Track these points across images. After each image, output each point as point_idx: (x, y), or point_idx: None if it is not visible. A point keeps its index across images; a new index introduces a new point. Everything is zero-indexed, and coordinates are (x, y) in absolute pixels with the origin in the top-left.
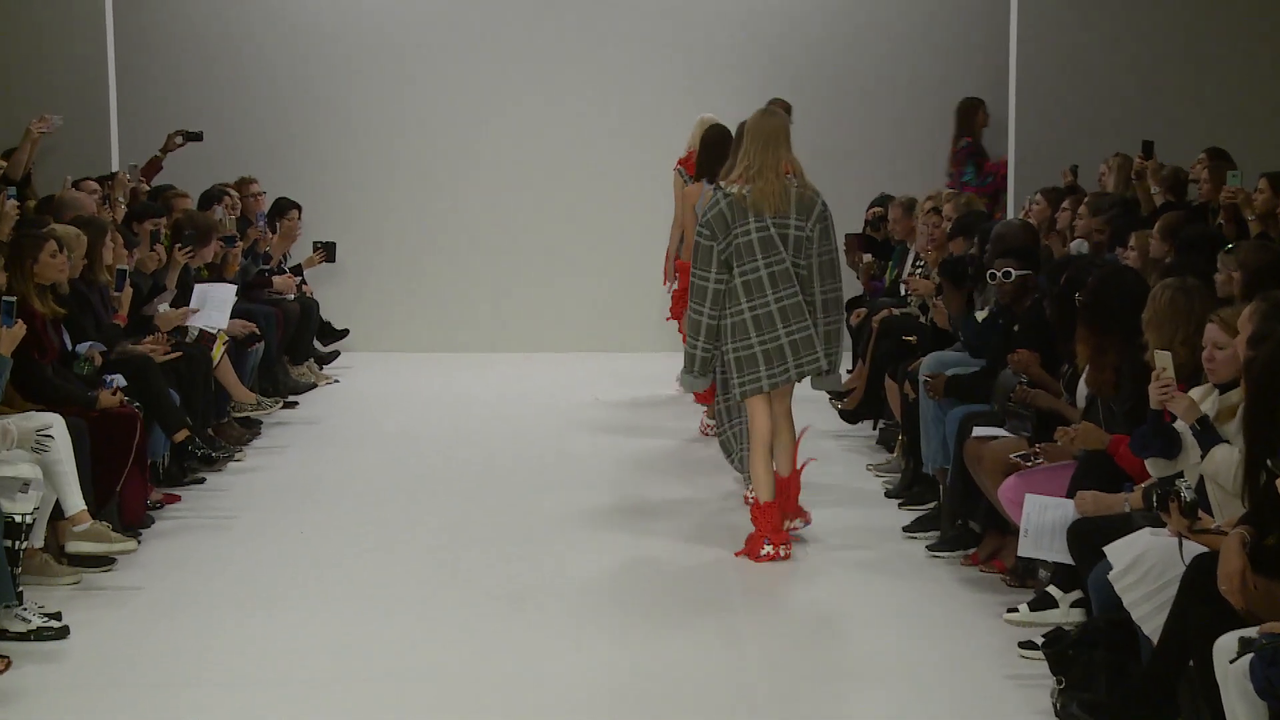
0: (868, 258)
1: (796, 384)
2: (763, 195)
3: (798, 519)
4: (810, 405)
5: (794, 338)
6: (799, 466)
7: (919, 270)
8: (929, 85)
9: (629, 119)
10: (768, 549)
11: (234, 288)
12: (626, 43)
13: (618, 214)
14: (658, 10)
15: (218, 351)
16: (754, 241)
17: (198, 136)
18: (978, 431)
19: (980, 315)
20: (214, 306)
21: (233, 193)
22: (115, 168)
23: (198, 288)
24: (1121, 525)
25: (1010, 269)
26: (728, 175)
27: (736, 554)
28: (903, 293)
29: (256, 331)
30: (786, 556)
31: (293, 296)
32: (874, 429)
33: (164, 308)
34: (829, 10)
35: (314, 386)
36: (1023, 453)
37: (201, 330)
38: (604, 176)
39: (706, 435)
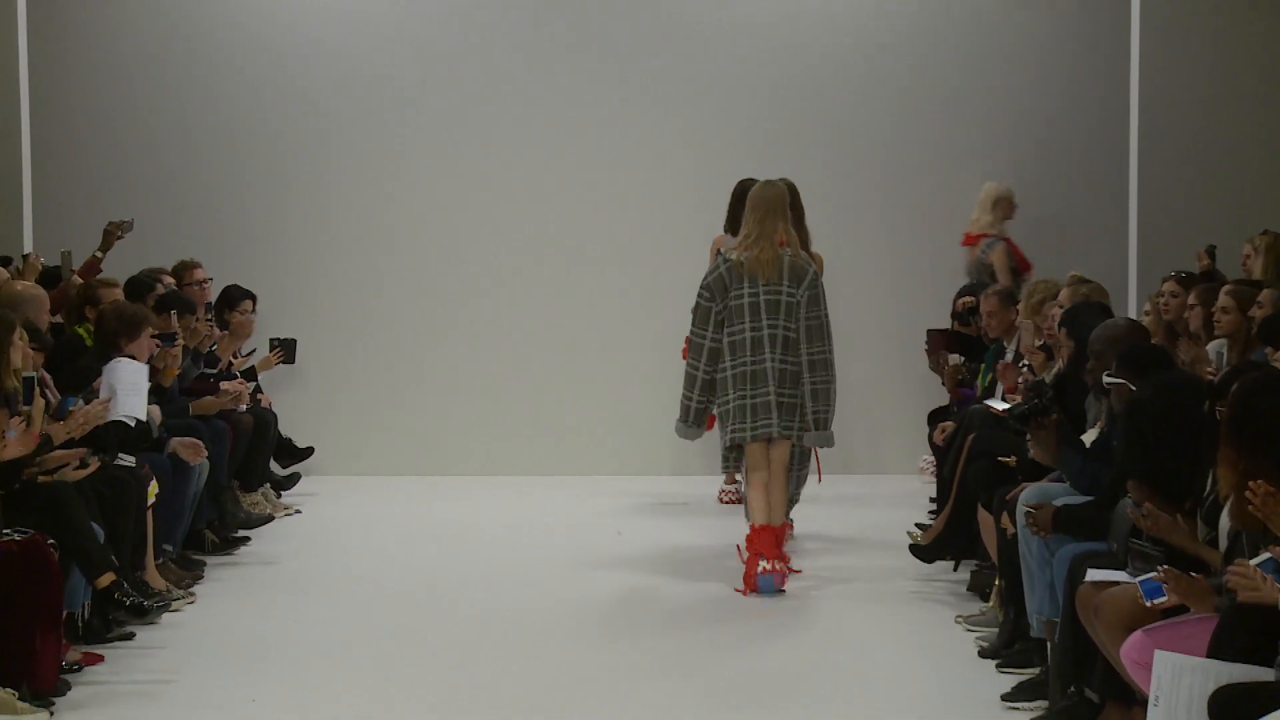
0: (955, 358)
1: (794, 444)
2: (758, 263)
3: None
4: (890, 554)
5: (779, 399)
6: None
7: (1022, 374)
8: (1032, 152)
9: (657, 205)
10: (763, 564)
11: (145, 367)
12: (661, 113)
13: (640, 312)
14: (695, 78)
15: (149, 496)
16: (745, 306)
17: (129, 226)
18: (1093, 575)
19: (1090, 435)
20: (125, 390)
21: (168, 280)
22: (27, 248)
23: (105, 369)
24: (1278, 694)
25: (1128, 376)
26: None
27: (737, 590)
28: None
29: (203, 448)
30: (782, 573)
31: (245, 407)
32: (954, 570)
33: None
34: (916, 75)
35: (270, 519)
36: (1146, 577)
37: (133, 465)
38: (624, 269)
39: (722, 503)
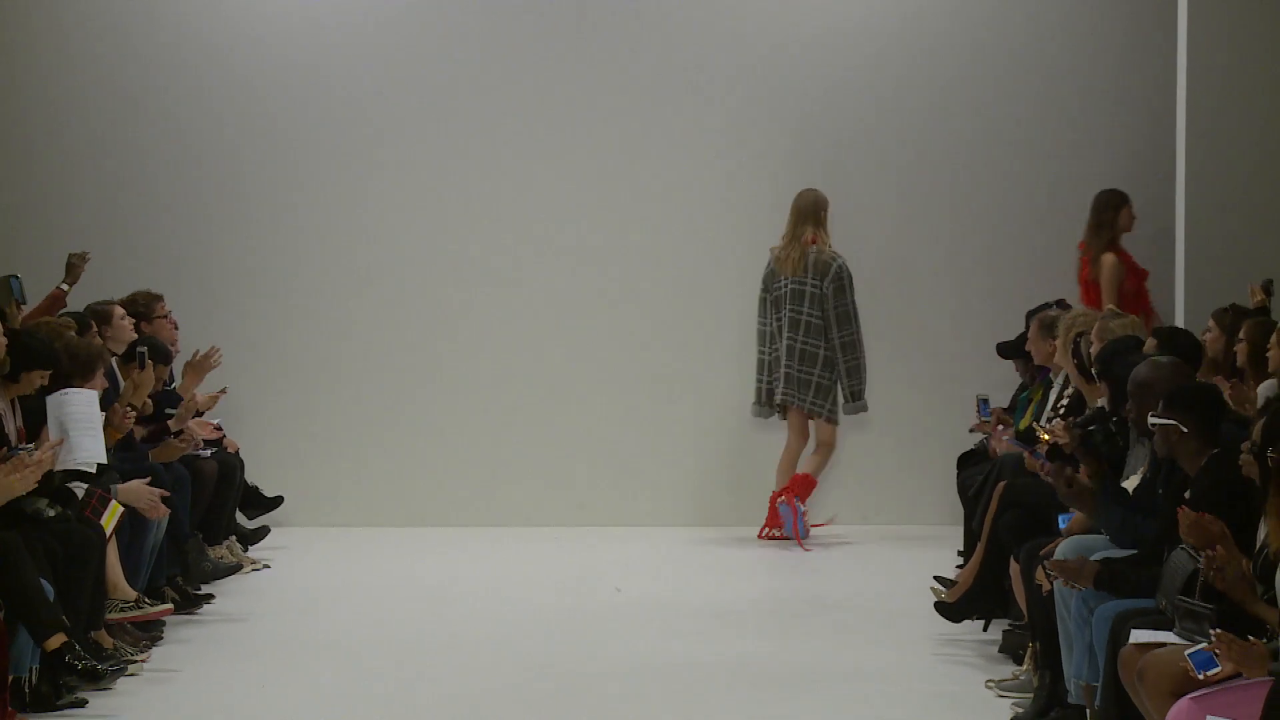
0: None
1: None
2: (783, 260)
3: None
4: (912, 612)
5: (786, 371)
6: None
7: (1059, 412)
8: (1072, 179)
9: (661, 231)
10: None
11: (95, 394)
12: (665, 131)
13: (643, 347)
14: (703, 97)
15: (110, 519)
16: (782, 295)
17: (88, 257)
18: (1137, 636)
19: (1131, 482)
20: (78, 428)
21: (118, 312)
22: None
23: (49, 403)
24: None
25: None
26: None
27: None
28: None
29: (165, 496)
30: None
31: (208, 452)
32: (984, 630)
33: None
34: (950, 98)
35: (239, 567)
36: (1196, 648)
37: (88, 487)
38: (625, 301)
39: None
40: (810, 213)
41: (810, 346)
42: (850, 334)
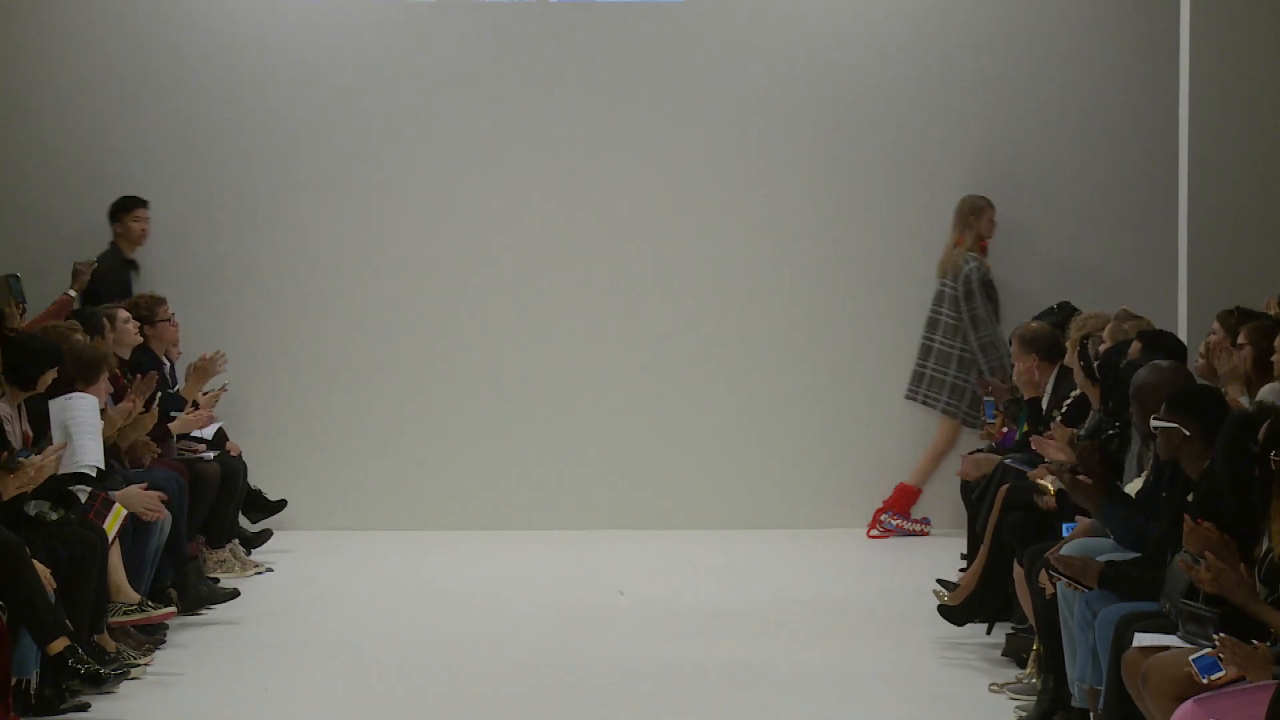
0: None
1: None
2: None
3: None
4: (914, 615)
5: (918, 369)
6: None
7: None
8: (1079, 174)
9: (668, 230)
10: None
11: (96, 401)
12: (674, 131)
13: (649, 350)
14: (711, 99)
15: (114, 522)
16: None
17: (95, 264)
18: (1141, 640)
19: (1134, 485)
20: (81, 432)
21: (122, 315)
22: None
23: (51, 406)
24: None
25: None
26: None
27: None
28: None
29: (165, 499)
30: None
31: (211, 454)
32: (988, 633)
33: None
34: (957, 103)
35: (236, 594)
36: (1200, 653)
37: (91, 490)
38: (631, 302)
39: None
40: (958, 215)
41: (945, 346)
42: (988, 336)
